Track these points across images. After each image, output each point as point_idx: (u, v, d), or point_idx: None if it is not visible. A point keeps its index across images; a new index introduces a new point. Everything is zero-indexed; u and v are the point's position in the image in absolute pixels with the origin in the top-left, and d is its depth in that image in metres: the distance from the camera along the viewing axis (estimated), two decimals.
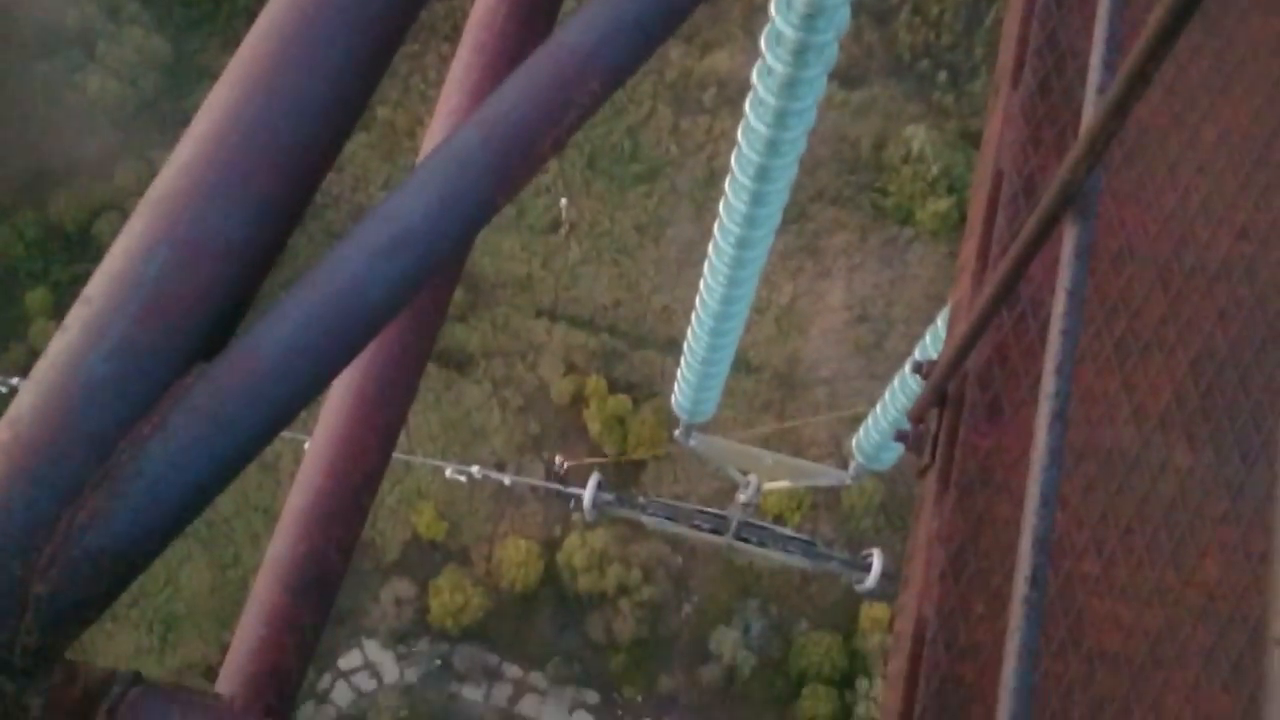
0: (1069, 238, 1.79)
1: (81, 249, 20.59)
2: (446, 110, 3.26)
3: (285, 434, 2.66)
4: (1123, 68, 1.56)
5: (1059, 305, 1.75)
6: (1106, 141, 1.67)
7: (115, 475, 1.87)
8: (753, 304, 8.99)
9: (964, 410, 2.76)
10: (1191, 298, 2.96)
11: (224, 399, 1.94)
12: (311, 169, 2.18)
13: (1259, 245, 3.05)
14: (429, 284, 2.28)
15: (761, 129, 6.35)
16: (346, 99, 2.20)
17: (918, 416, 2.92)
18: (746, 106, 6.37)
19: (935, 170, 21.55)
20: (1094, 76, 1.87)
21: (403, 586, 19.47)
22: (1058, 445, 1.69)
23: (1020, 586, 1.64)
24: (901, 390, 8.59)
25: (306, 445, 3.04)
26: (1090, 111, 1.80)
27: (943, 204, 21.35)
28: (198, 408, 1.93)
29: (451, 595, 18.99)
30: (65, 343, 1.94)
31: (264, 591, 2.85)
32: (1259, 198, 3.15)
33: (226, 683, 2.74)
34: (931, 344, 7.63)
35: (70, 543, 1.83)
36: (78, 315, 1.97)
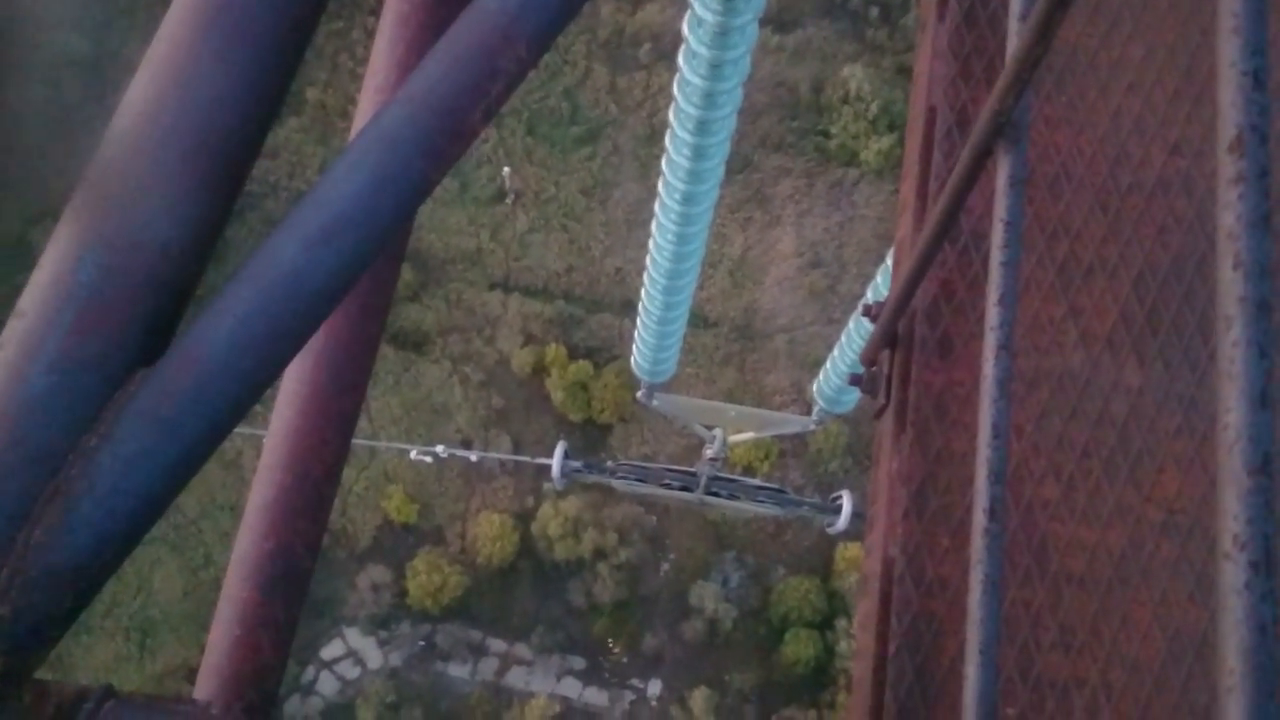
0: (1002, 168, 1.79)
1: (20, 259, 20.22)
2: (373, 87, 3.21)
3: (245, 430, 2.63)
4: None
5: (997, 236, 1.76)
6: (1032, 69, 1.67)
7: (66, 490, 1.84)
8: (705, 258, 8.97)
9: (914, 349, 2.77)
10: (1130, 216, 2.98)
11: (169, 403, 1.92)
12: (237, 159, 2.14)
13: (1193, 158, 3.07)
14: (371, 267, 2.26)
15: (697, 81, 6.31)
16: (266, 85, 2.16)
17: (870, 359, 2.93)
18: (680, 59, 6.31)
19: (875, 108, 21.58)
20: (1015, 4, 1.86)
21: (378, 572, 19.44)
22: (1005, 376, 1.70)
23: (979, 519, 1.66)
24: (857, 333, 8.63)
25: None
26: (1014, 40, 1.80)
27: (885, 142, 21.40)
28: (143, 414, 1.90)
29: (429, 576, 18.99)
30: (2, 360, 1.90)
31: (234, 591, 2.84)
32: (1190, 110, 3.17)
33: (204, 686, 2.72)
34: (883, 284, 7.66)
35: (27, 562, 1.80)
36: (12, 330, 1.93)
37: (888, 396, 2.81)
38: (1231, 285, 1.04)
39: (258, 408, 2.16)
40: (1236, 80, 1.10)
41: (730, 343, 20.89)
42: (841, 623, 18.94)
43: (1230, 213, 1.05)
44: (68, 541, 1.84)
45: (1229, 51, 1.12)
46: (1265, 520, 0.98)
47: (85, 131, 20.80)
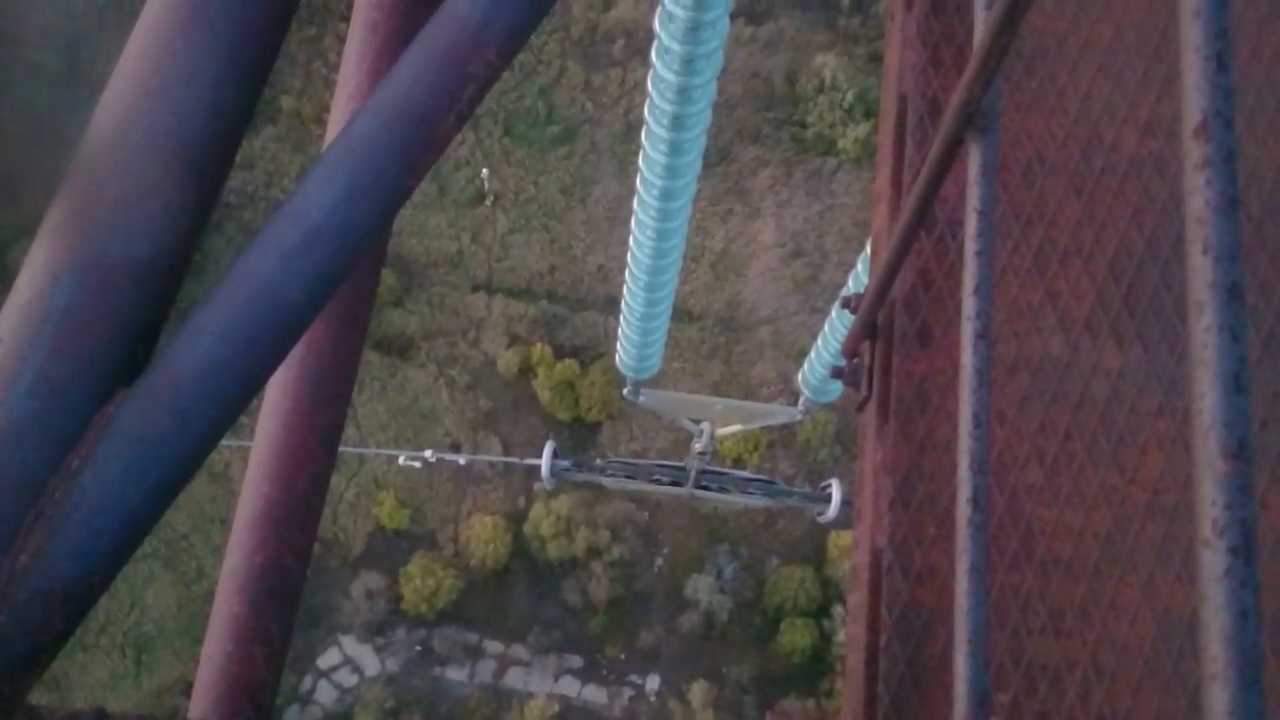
0: (973, 157, 1.80)
1: None
2: (346, 95, 3.20)
3: (233, 441, 2.61)
4: None
5: (970, 226, 1.76)
6: (999, 57, 1.68)
7: (50, 513, 1.83)
8: (686, 252, 8.96)
9: (895, 339, 2.78)
10: (1104, 199, 2.99)
11: (150, 422, 1.91)
12: (212, 172, 2.13)
13: (1165, 139, 3.09)
14: (350, 275, 2.25)
15: (670, 77, 6.30)
16: (237, 96, 2.15)
17: (851, 350, 2.93)
18: (653, 55, 6.31)
19: (850, 97, 21.59)
20: None
21: (372, 579, 19.40)
22: (983, 365, 1.70)
23: (963, 508, 1.66)
24: (840, 322, 8.65)
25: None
26: (980, 29, 1.81)
27: (862, 129, 21.42)
28: (125, 434, 1.90)
29: (423, 581, 18.95)
30: None
31: (225, 606, 2.83)
32: (1160, 91, 3.18)
33: (199, 703, 2.72)
34: (863, 273, 7.68)
35: (15, 587, 1.80)
36: None
37: (870, 388, 2.81)
38: (1202, 271, 1.04)
39: (245, 419, 2.16)
40: (1200, 65, 1.10)
41: (715, 336, 20.90)
42: (837, 610, 18.98)
43: (1198, 198, 1.05)
44: (54, 565, 1.83)
45: (1192, 36, 1.12)
46: (1243, 506, 0.98)
47: (58, 149, 20.67)
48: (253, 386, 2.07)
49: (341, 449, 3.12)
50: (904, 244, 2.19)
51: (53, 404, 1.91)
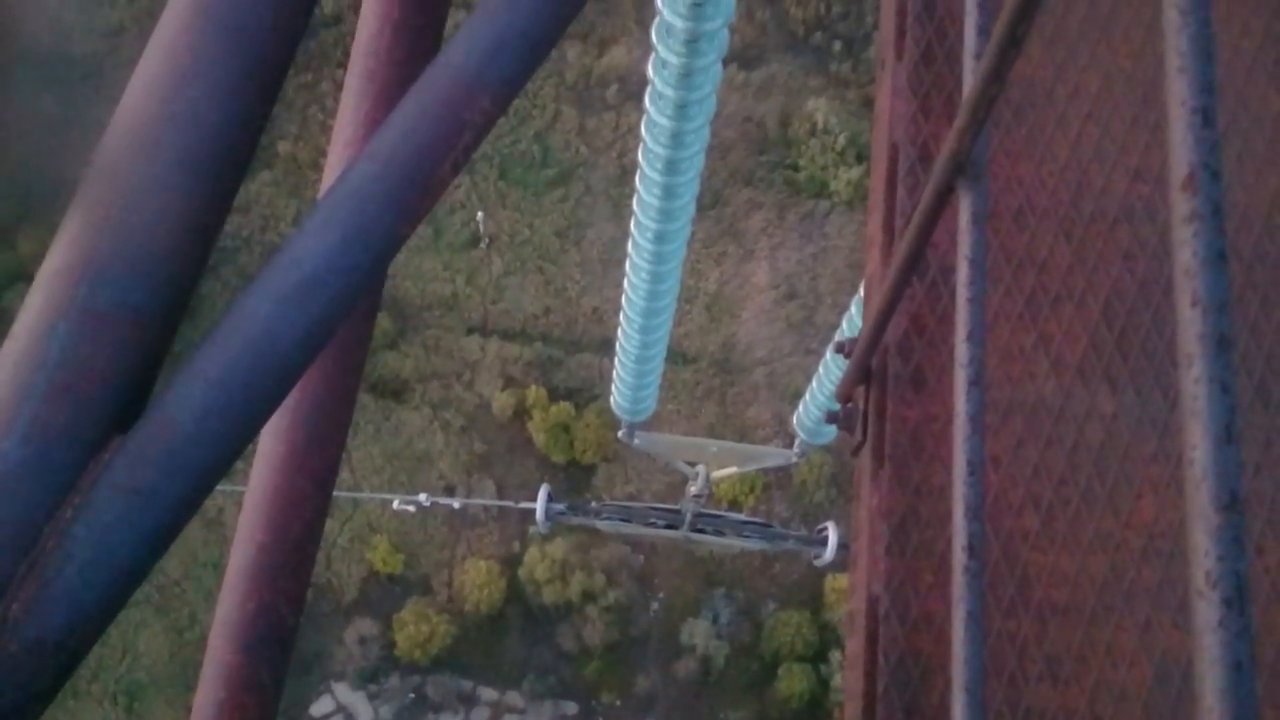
0: (964, 206, 1.81)
1: None
2: (342, 142, 3.22)
3: (226, 487, 2.61)
4: (993, 34, 1.58)
5: (962, 273, 1.77)
6: (988, 108, 1.70)
7: (43, 563, 1.82)
8: (681, 294, 9.00)
9: (889, 384, 2.78)
10: (1095, 244, 3.01)
11: (144, 471, 1.90)
12: (206, 220, 2.14)
13: (1155, 184, 3.11)
14: (344, 322, 2.25)
15: (664, 122, 6.35)
16: (233, 146, 2.16)
17: (845, 395, 2.94)
18: (646, 101, 6.36)
19: (842, 140, 21.78)
20: (969, 44, 1.89)
21: (366, 625, 19.25)
22: (977, 412, 1.71)
23: (959, 556, 1.66)
24: (834, 364, 8.66)
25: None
26: (969, 80, 1.83)
27: (854, 172, 21.59)
28: (119, 483, 1.89)
29: (417, 626, 18.80)
30: None
31: (218, 653, 2.81)
32: (1149, 137, 3.21)
33: None
34: (857, 314, 7.70)
35: (6, 639, 1.78)
36: None
37: (865, 433, 2.81)
38: (1191, 322, 1.05)
39: (239, 463, 2.15)
40: (1186, 118, 1.11)
41: (710, 378, 20.91)
42: (835, 655, 18.84)
43: (1186, 250, 1.06)
44: (46, 617, 1.81)
45: (1178, 89, 1.14)
46: (1237, 557, 0.98)
47: (53, 195, 20.74)
48: (248, 434, 2.06)
49: (335, 493, 3.12)
50: (896, 290, 2.21)
51: (46, 452, 1.90)
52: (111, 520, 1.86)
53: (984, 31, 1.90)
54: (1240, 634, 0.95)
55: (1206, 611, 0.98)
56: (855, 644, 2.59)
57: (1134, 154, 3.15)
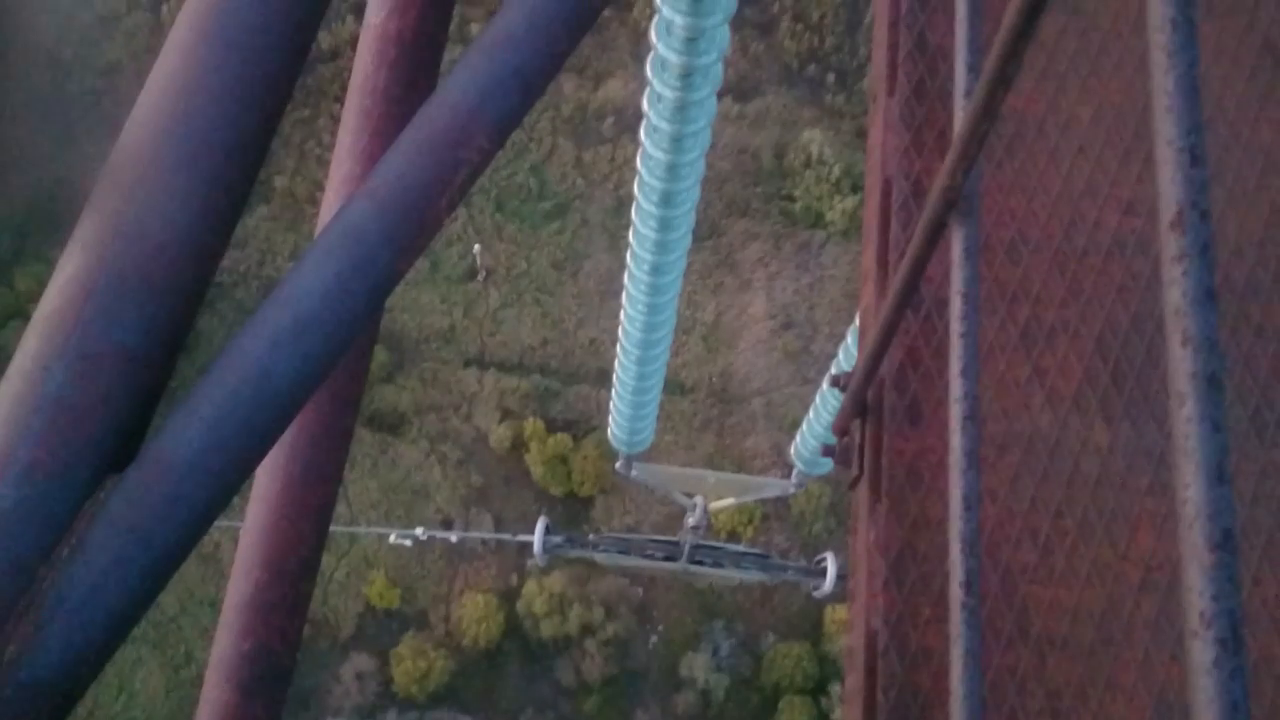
0: (956, 241, 1.82)
1: None
2: (339, 179, 3.23)
3: (223, 522, 2.59)
4: (983, 72, 1.59)
5: (955, 308, 1.78)
6: (979, 144, 1.71)
7: (39, 604, 1.81)
8: (678, 325, 9.02)
9: (884, 417, 2.78)
10: (1088, 277, 3.02)
11: (140, 510, 1.90)
12: (202, 260, 2.14)
13: (1146, 218, 3.12)
14: (340, 360, 2.26)
15: (659, 155, 6.39)
16: (229, 185, 2.16)
17: (841, 429, 2.94)
18: (642, 134, 6.40)
19: (837, 171, 21.90)
20: (960, 80, 1.90)
21: (362, 660, 19.12)
22: (973, 447, 1.71)
23: (956, 592, 1.65)
24: (831, 395, 8.66)
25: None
26: (960, 117, 1.84)
27: (849, 202, 21.68)
28: (114, 523, 1.88)
29: (414, 662, 18.68)
30: None
31: (213, 692, 2.79)
32: (1141, 170, 3.23)
33: None
34: (853, 345, 7.71)
35: (2, 679, 1.77)
36: None
37: (861, 466, 2.81)
38: (1181, 362, 1.05)
39: (236, 499, 2.15)
40: (1174, 158, 1.12)
41: (707, 408, 20.90)
42: (835, 688, 18.73)
43: (1176, 289, 1.06)
44: (41, 657, 1.80)
45: (1165, 129, 1.14)
46: (1230, 596, 0.98)
47: (50, 232, 20.78)
48: (244, 472, 2.06)
49: (331, 528, 3.11)
50: (891, 324, 2.21)
51: (42, 492, 1.89)
52: (107, 560, 1.86)
53: (974, 69, 1.91)
54: (1235, 674, 0.95)
55: (1201, 651, 0.97)
56: (854, 679, 2.57)
57: (1126, 187, 3.17)
